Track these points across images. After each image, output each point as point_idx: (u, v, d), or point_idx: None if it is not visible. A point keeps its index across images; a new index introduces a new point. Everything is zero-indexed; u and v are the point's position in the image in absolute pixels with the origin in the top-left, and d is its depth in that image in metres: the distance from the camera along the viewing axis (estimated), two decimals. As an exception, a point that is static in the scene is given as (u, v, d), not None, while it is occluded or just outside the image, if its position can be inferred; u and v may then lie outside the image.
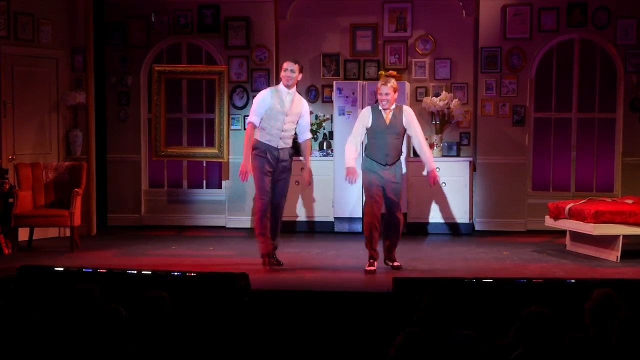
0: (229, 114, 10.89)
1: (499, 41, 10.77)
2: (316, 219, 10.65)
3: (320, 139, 10.85)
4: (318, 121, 10.80)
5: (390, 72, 10.51)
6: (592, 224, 8.48)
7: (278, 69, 10.82)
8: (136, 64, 11.24)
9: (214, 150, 10.87)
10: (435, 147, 10.60)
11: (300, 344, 5.97)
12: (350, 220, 10.51)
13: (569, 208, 8.91)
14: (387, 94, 7.91)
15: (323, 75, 11.12)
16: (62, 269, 6.97)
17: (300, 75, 8.18)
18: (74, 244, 9.25)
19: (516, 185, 10.81)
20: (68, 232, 9.61)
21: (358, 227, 10.45)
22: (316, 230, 10.60)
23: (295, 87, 8.18)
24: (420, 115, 10.72)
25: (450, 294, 4.63)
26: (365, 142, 8.12)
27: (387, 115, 7.97)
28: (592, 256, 8.74)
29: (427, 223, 10.53)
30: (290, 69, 8.05)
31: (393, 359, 4.22)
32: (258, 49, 11.05)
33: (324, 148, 10.85)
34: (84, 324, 4.46)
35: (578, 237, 8.98)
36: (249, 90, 11.05)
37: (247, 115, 10.89)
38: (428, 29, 10.98)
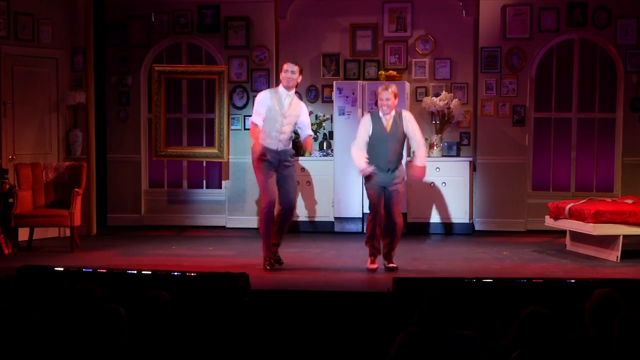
0: (229, 114, 10.89)
1: (499, 41, 10.77)
2: (316, 219, 10.66)
3: (320, 139, 10.86)
4: (318, 121, 10.80)
5: (390, 72, 10.52)
6: (592, 224, 8.49)
7: (278, 69, 10.84)
8: (136, 64, 11.24)
9: (214, 150, 10.87)
10: (435, 147, 10.61)
11: (300, 344, 5.98)
12: (351, 220, 10.52)
13: (569, 208, 8.91)
14: (387, 99, 7.91)
15: (323, 75, 11.13)
16: (62, 269, 6.97)
17: (300, 77, 8.18)
18: (74, 244, 9.25)
19: (516, 185, 10.82)
20: (68, 232, 9.61)
21: (358, 227, 10.47)
22: (316, 230, 10.60)
23: (294, 89, 8.17)
24: (420, 115, 10.75)
25: (450, 294, 4.62)
26: (366, 149, 8.08)
27: (388, 122, 7.97)
28: (592, 256, 8.74)
29: (427, 223, 10.53)
30: (290, 70, 8.05)
31: (393, 358, 4.22)
32: (258, 49, 11.05)
33: (324, 148, 10.85)
34: (84, 324, 4.46)
35: (578, 237, 8.98)
36: (249, 90, 11.05)
37: (248, 115, 11.06)
38: (428, 29, 10.98)
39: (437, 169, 10.48)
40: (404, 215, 10.13)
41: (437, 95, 10.77)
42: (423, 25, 10.98)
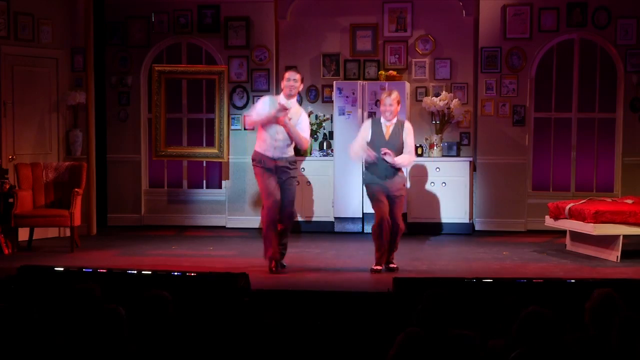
0: (229, 114, 10.89)
1: (499, 41, 10.77)
2: (316, 219, 10.65)
3: (320, 139, 10.86)
4: (318, 121, 10.81)
5: (390, 72, 10.53)
6: (592, 224, 8.49)
7: (278, 69, 10.87)
8: (136, 64, 11.24)
9: (214, 150, 10.87)
10: (435, 147, 10.61)
11: (300, 344, 5.98)
12: (350, 220, 10.52)
13: (569, 208, 8.91)
14: (390, 105, 7.92)
15: (323, 75, 11.13)
16: (62, 269, 6.97)
17: (302, 86, 8.18)
18: (74, 244, 9.25)
19: (516, 185, 10.82)
20: (68, 232, 9.61)
21: (358, 227, 10.47)
22: (316, 230, 10.59)
23: (295, 97, 8.14)
24: (421, 115, 10.76)
25: (450, 294, 4.62)
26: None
27: (388, 130, 7.97)
28: (592, 256, 8.74)
29: (427, 223, 10.52)
30: (293, 79, 8.03)
31: (393, 358, 4.23)
32: (258, 49, 11.05)
33: (324, 148, 10.85)
34: (84, 324, 4.46)
35: (578, 237, 8.98)
36: (249, 90, 11.05)
37: (248, 116, 11.06)
38: (428, 29, 10.98)
39: (437, 169, 10.48)
40: (404, 215, 10.14)
41: (437, 95, 10.77)
42: (423, 25, 10.98)
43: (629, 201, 9.13)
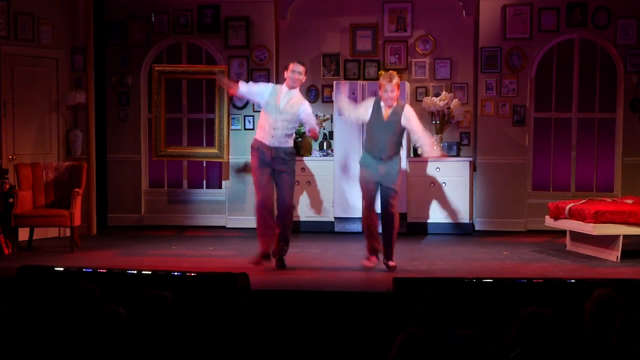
0: (229, 114, 10.89)
1: (499, 41, 10.77)
2: (316, 219, 10.65)
3: (320, 138, 10.85)
4: (318, 121, 10.79)
5: (391, 72, 10.50)
6: (592, 224, 8.49)
7: (278, 69, 10.86)
8: (136, 64, 11.24)
9: (214, 150, 10.87)
10: (435, 147, 10.59)
11: (300, 344, 5.98)
12: (351, 220, 10.51)
13: (569, 208, 8.91)
14: (392, 91, 7.94)
15: (323, 75, 11.13)
16: (62, 269, 6.97)
17: (305, 78, 8.18)
18: (74, 244, 9.25)
19: (516, 185, 10.82)
20: (68, 232, 9.61)
21: (358, 227, 10.45)
22: (316, 230, 10.59)
23: (297, 88, 8.17)
24: (421, 115, 10.68)
25: (450, 294, 4.62)
26: (365, 136, 8.16)
27: (387, 112, 7.98)
28: (592, 256, 8.74)
29: (427, 223, 10.53)
30: (297, 71, 8.05)
31: (393, 358, 4.22)
32: (258, 49, 11.05)
33: (324, 148, 10.85)
34: (84, 324, 4.46)
35: (578, 237, 8.98)
36: (249, 90, 11.04)
37: (248, 116, 11.08)
38: (428, 29, 10.98)
39: (437, 169, 10.49)
40: (404, 215, 10.16)
41: (437, 95, 10.77)
42: (423, 25, 10.98)
43: (629, 201, 9.13)
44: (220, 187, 11.36)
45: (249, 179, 10.66)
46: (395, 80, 7.98)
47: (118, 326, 4.39)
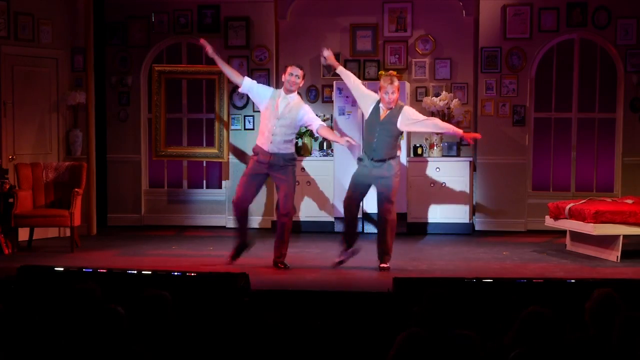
0: (229, 114, 10.89)
1: (499, 41, 10.77)
2: (316, 219, 10.65)
3: (320, 139, 10.85)
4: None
5: (391, 72, 10.50)
6: (592, 224, 8.49)
7: (278, 69, 10.86)
8: (136, 64, 11.24)
9: (214, 150, 10.87)
10: (435, 147, 10.61)
11: (300, 344, 5.97)
12: (350, 220, 10.50)
13: (569, 208, 8.91)
14: (392, 93, 7.91)
15: (323, 75, 11.13)
16: (62, 269, 6.97)
17: (302, 82, 8.16)
18: (74, 244, 9.25)
19: (516, 185, 10.82)
20: (68, 232, 9.61)
21: (358, 227, 10.45)
22: (316, 230, 10.59)
23: (295, 92, 8.15)
24: (421, 115, 10.74)
25: (450, 294, 4.62)
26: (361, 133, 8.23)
27: (384, 113, 7.97)
28: (592, 256, 8.74)
29: (427, 223, 10.53)
30: (295, 75, 8.02)
31: (393, 358, 4.22)
32: (258, 49, 11.05)
33: (324, 148, 10.85)
34: (84, 324, 4.46)
35: (578, 237, 8.98)
36: (249, 90, 11.03)
37: (248, 116, 11.08)
38: (428, 29, 10.98)
39: (437, 169, 10.49)
40: (404, 215, 10.17)
41: (437, 95, 10.77)
42: (423, 25, 10.98)
43: (629, 201, 9.13)
44: (220, 187, 11.36)
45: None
46: (396, 83, 7.97)
47: (118, 326, 4.39)
